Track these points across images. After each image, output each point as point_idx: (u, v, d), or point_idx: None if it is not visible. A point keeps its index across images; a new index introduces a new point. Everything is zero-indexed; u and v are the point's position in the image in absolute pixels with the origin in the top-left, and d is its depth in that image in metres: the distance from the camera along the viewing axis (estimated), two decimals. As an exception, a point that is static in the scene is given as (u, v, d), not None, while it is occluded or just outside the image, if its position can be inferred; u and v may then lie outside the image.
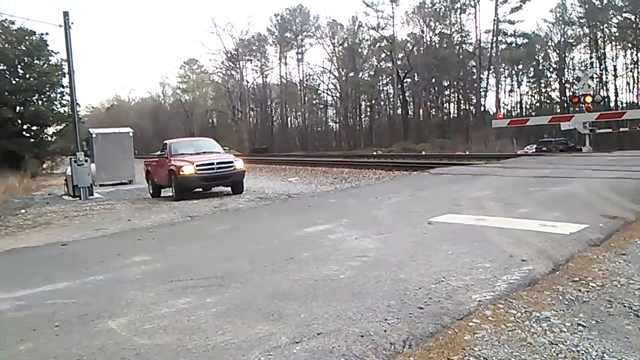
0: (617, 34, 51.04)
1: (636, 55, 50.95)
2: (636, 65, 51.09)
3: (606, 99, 45.28)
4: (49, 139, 35.04)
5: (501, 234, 5.57)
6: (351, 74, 69.22)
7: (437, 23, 62.13)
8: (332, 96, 74.87)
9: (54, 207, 13.22)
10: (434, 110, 66.42)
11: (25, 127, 33.22)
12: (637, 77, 51.12)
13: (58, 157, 35.38)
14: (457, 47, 62.08)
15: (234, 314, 3.60)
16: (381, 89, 70.23)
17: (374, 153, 42.34)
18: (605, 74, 52.02)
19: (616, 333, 2.96)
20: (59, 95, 33.67)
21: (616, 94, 51.53)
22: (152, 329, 3.43)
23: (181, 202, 12.35)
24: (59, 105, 33.80)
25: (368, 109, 73.39)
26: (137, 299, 4.15)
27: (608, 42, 52.76)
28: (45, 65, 32.76)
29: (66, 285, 4.84)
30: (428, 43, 63.14)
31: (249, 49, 75.90)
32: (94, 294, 4.44)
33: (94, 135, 20.57)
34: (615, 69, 52.42)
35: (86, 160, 15.37)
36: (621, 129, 28.59)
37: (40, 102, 33.07)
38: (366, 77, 69.68)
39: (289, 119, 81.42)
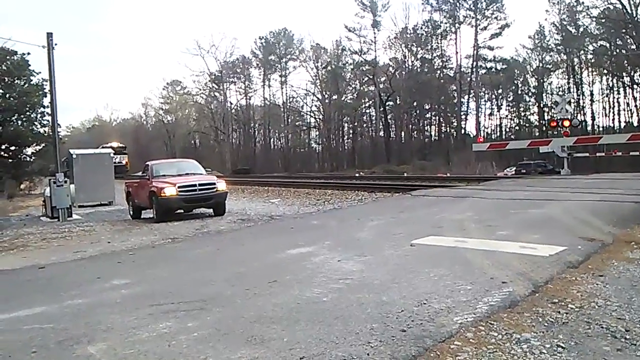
0: (593, 61, 52.55)
1: (612, 81, 52.51)
2: (611, 91, 52.65)
3: (583, 123, 46.34)
4: (28, 159, 34.56)
5: (482, 256, 5.63)
6: (334, 97, 69.83)
7: (419, 48, 63.32)
8: (315, 118, 75.45)
9: (31, 229, 12.99)
10: (415, 132, 67.29)
11: (3, 147, 32.70)
12: (613, 102, 52.66)
13: (36, 177, 34.86)
14: (438, 72, 63.28)
15: (216, 339, 3.56)
16: (364, 111, 70.93)
17: (356, 174, 42.49)
18: (582, 99, 53.49)
19: (594, 354, 3.00)
20: (39, 116, 33.39)
21: (593, 118, 52.94)
22: (133, 354, 3.37)
23: (162, 224, 12.24)
24: (38, 126, 33.52)
25: (351, 131, 73.89)
26: (117, 323, 4.08)
27: (585, 68, 54.32)
28: (26, 85, 32.47)
29: (43, 309, 4.73)
30: (410, 67, 64.20)
31: (233, 71, 76.18)
32: (73, 318, 4.35)
33: (74, 156, 20.35)
34: (591, 94, 54.00)
35: (66, 181, 15.19)
36: (597, 154, 29.20)
37: (19, 122, 32.68)
38: (349, 100, 70.33)
39: (271, 140, 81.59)
